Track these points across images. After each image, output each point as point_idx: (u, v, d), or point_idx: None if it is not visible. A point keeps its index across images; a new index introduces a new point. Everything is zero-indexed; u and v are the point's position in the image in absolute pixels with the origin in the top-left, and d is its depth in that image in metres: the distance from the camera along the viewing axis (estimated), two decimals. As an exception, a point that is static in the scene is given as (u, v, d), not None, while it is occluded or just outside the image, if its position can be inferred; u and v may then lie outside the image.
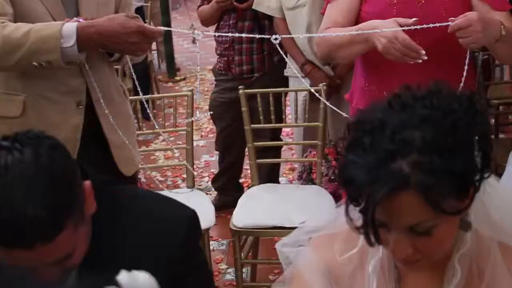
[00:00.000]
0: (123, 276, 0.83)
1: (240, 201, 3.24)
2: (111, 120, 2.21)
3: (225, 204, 4.16)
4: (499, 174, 1.67)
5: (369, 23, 2.17)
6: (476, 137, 1.20)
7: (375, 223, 1.19)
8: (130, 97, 2.47)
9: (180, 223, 1.50)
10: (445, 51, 2.20)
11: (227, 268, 3.69)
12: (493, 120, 4.25)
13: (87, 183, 1.34)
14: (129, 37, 2.01)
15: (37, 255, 1.23)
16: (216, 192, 4.43)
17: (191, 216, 1.53)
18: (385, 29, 2.08)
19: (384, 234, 1.23)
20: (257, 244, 3.36)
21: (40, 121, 2.10)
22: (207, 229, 3.06)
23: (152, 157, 5.31)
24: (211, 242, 3.41)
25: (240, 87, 3.35)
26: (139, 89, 2.38)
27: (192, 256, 1.50)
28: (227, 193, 4.31)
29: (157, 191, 3.59)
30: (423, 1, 2.23)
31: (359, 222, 1.25)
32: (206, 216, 3.05)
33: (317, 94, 2.54)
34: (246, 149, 3.57)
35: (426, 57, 2.07)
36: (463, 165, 1.16)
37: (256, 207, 3.12)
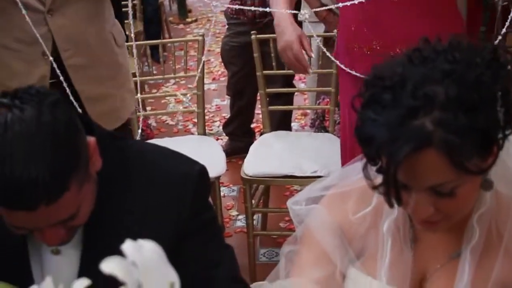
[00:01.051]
0: (128, 246, 0.78)
1: (251, 148, 3.20)
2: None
3: (236, 150, 4.14)
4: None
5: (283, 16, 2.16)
6: (499, 92, 1.13)
7: (397, 184, 1.14)
8: (140, 42, 2.39)
9: (189, 178, 1.45)
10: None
11: (237, 215, 3.69)
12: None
13: (92, 139, 1.29)
14: None
15: (41, 216, 1.18)
16: (227, 138, 4.39)
17: (201, 171, 1.48)
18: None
19: (405, 195, 1.18)
20: (268, 192, 3.34)
21: (3, 71, 2.02)
22: (218, 177, 3.03)
23: (163, 101, 5.26)
24: (221, 188, 3.39)
25: (252, 32, 3.27)
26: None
27: (201, 213, 1.46)
28: (239, 138, 4.27)
29: (168, 137, 3.58)
30: None
31: (377, 180, 1.21)
32: (217, 164, 3.02)
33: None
34: (258, 94, 3.52)
35: (311, 75, 2.00)
36: (487, 122, 1.11)
37: (267, 155, 3.08)
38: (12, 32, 2.05)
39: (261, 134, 3.43)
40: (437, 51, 1.16)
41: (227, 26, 4.17)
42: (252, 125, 4.45)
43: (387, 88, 1.13)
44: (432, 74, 1.12)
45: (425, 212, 1.19)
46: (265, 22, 3.82)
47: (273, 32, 3.35)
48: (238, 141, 4.25)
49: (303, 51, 2.23)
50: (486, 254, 1.27)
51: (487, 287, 1.26)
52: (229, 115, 4.38)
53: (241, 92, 4.15)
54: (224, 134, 4.46)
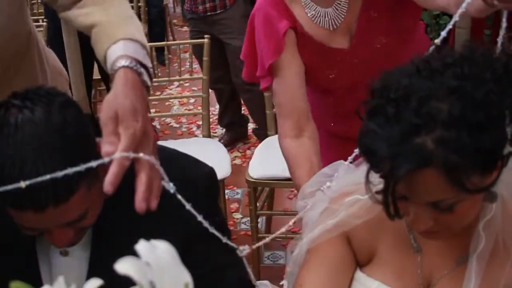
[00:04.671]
0: (142, 246, 0.78)
1: (256, 151, 3.20)
2: None
3: (235, 138, 4.38)
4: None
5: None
6: (508, 108, 1.11)
7: (395, 198, 1.13)
8: None
9: (200, 180, 1.45)
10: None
11: (241, 218, 3.68)
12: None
13: (101, 140, 1.29)
14: None
15: (50, 217, 1.18)
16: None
17: (211, 173, 1.48)
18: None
19: (404, 205, 1.17)
20: (273, 195, 3.34)
21: None
22: (223, 180, 3.03)
23: (167, 103, 5.26)
24: (226, 191, 3.38)
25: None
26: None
27: (211, 215, 1.45)
28: (237, 125, 4.49)
29: (172, 140, 3.59)
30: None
31: (379, 186, 1.20)
32: (222, 166, 3.02)
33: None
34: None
35: None
36: (491, 142, 1.08)
37: (272, 157, 3.07)
38: None
39: (265, 137, 3.44)
40: (447, 63, 1.13)
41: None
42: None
43: (391, 101, 1.11)
44: (438, 90, 1.09)
45: (424, 224, 1.19)
46: (214, 19, 4.04)
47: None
48: (237, 128, 4.48)
49: None
50: (493, 262, 1.26)
51: None
52: (219, 110, 4.57)
53: (221, 81, 4.29)
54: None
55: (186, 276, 0.79)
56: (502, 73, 1.13)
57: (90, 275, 1.35)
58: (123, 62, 1.27)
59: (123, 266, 0.74)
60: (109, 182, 1.12)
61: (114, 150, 1.14)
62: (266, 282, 1.70)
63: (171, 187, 1.23)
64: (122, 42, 1.34)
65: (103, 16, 1.44)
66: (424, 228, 1.19)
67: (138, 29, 1.42)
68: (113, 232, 1.34)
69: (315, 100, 2.05)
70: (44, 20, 4.06)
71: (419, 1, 1.71)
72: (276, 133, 3.27)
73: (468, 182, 1.08)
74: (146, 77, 1.30)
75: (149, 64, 1.35)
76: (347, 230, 1.38)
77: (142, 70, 1.30)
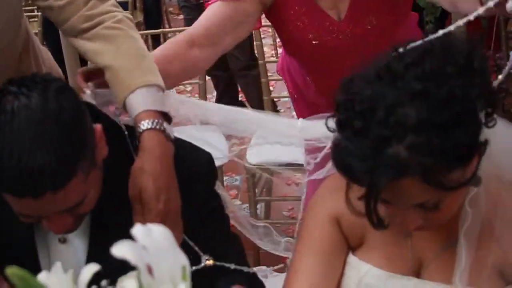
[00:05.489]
0: (137, 230, 0.78)
1: (254, 136, 3.18)
2: None
3: None
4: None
5: None
6: (477, 98, 1.10)
7: (377, 209, 1.13)
8: (141, 32, 2.32)
9: (200, 166, 1.46)
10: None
11: (241, 204, 3.68)
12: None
13: (98, 126, 1.29)
14: None
15: (48, 203, 1.18)
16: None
17: (209, 159, 1.48)
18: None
19: (391, 208, 1.18)
20: (271, 180, 3.33)
21: None
22: (221, 166, 3.02)
23: (164, 91, 5.24)
24: (224, 178, 3.38)
25: None
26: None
27: (209, 201, 1.46)
28: None
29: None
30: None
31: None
32: (220, 153, 3.01)
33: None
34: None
35: None
36: (462, 137, 1.07)
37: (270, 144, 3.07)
38: None
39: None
40: (407, 64, 1.11)
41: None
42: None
43: (357, 114, 1.10)
44: (402, 96, 1.07)
45: (413, 224, 1.19)
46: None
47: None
48: None
49: None
50: (481, 242, 1.26)
51: (485, 272, 1.26)
52: (216, 95, 4.54)
53: (217, 67, 4.25)
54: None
55: (183, 259, 0.80)
56: (464, 64, 1.11)
57: (88, 262, 1.34)
58: (146, 124, 1.36)
59: (119, 249, 0.74)
60: None
61: None
62: (264, 267, 1.71)
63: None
64: (139, 92, 1.39)
65: (115, 58, 1.43)
66: (414, 227, 1.20)
67: (150, 67, 1.45)
68: (112, 219, 1.33)
69: (299, 76, 2.07)
70: (38, 10, 4.03)
71: None
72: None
73: (448, 180, 1.08)
74: (168, 130, 1.39)
75: (167, 109, 1.42)
76: (336, 214, 1.38)
77: (165, 125, 1.38)
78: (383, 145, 1.06)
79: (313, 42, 1.86)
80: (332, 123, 1.18)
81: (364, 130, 1.08)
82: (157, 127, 1.36)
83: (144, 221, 1.11)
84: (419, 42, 1.15)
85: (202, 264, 1.39)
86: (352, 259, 1.38)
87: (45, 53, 1.95)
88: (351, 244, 1.40)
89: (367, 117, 1.08)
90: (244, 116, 1.71)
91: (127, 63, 1.43)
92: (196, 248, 1.37)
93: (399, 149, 1.06)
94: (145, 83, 1.40)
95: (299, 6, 1.83)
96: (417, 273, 1.34)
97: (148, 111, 1.37)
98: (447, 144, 1.05)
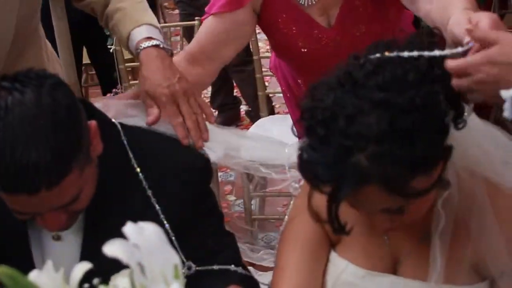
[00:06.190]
0: (129, 228, 0.78)
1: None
2: None
3: (229, 120, 4.32)
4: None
5: None
6: (441, 103, 1.10)
7: (339, 218, 1.14)
8: None
9: (194, 164, 1.46)
10: None
11: (235, 200, 3.68)
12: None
13: (93, 122, 1.29)
14: None
15: (42, 200, 1.18)
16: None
17: (204, 157, 1.49)
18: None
19: (360, 211, 1.20)
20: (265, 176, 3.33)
21: None
22: (215, 162, 3.02)
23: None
24: (219, 174, 3.38)
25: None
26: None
27: (203, 200, 1.46)
28: (229, 107, 4.47)
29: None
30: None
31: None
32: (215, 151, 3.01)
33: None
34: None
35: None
36: (426, 145, 1.08)
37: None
38: None
39: (257, 119, 3.44)
40: (367, 72, 1.11)
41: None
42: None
43: (320, 122, 1.10)
44: (363, 105, 1.08)
45: (382, 226, 1.21)
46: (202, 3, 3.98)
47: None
48: (229, 110, 4.45)
49: None
50: (456, 242, 1.26)
51: (461, 269, 1.27)
52: (212, 90, 4.52)
53: None
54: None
55: (174, 257, 0.80)
56: (426, 70, 1.11)
57: (82, 259, 1.35)
58: (146, 44, 1.55)
59: (111, 248, 0.75)
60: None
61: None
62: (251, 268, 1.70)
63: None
64: (145, 27, 1.59)
65: (130, 3, 1.65)
66: (382, 229, 1.22)
67: (154, 18, 1.66)
68: (106, 216, 1.33)
69: (290, 76, 2.07)
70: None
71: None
72: (269, 114, 3.28)
73: (410, 188, 1.09)
74: (167, 48, 1.59)
75: (168, 48, 1.60)
76: (316, 208, 1.38)
77: (165, 46, 1.57)
78: (345, 154, 1.07)
79: (302, 50, 1.86)
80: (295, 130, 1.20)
81: (327, 139, 1.09)
82: (157, 44, 1.54)
83: (157, 112, 1.47)
84: (393, 54, 1.13)
85: (192, 271, 1.39)
86: (333, 255, 1.39)
87: (48, 45, 2.01)
88: (332, 239, 1.40)
89: (329, 126, 1.09)
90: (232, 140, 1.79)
91: (137, 6, 1.66)
92: (181, 254, 1.35)
93: (360, 158, 1.07)
94: (151, 22, 1.60)
95: (286, 14, 1.81)
96: (394, 270, 1.34)
97: (149, 38, 1.56)
98: (409, 153, 1.06)
